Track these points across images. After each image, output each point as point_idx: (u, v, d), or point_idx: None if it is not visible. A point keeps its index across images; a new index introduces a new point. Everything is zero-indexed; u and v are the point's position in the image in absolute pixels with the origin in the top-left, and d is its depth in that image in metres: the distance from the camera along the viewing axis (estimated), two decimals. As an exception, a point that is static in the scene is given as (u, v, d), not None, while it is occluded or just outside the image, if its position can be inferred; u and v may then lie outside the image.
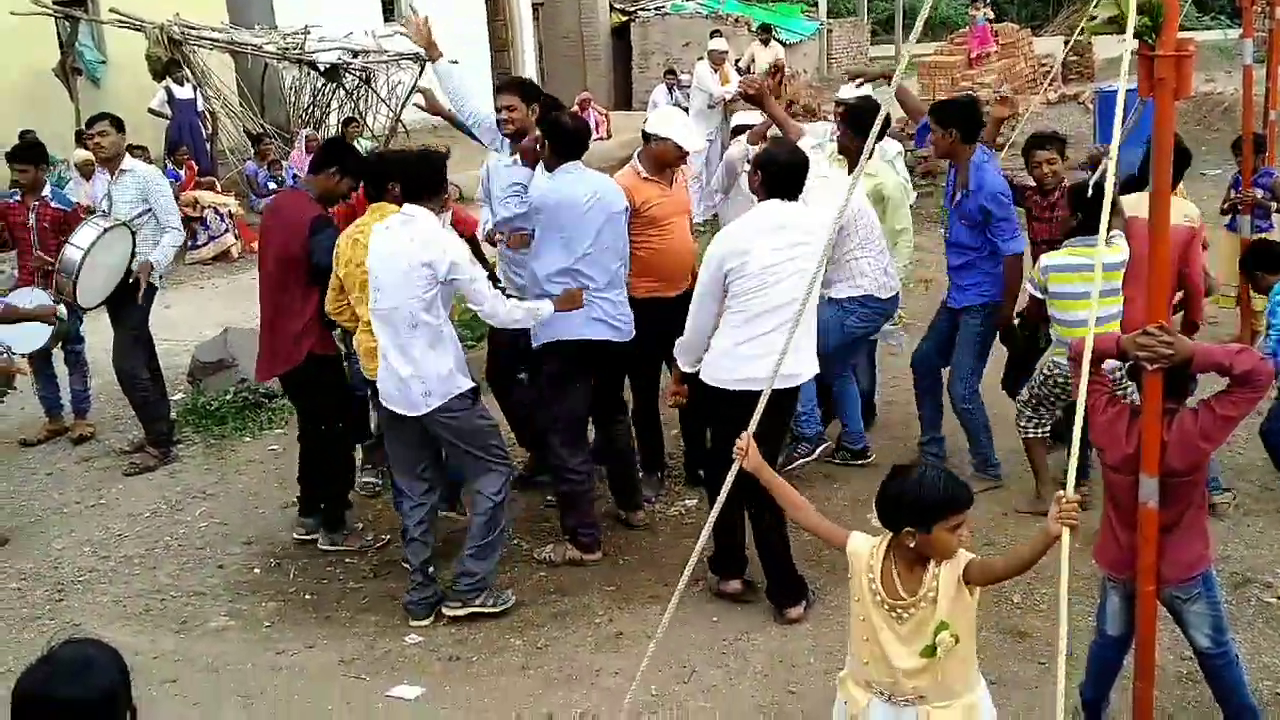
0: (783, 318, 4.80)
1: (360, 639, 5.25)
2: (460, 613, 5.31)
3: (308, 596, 5.66)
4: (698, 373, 5.19)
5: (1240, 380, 3.49)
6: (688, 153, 6.02)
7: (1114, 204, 5.77)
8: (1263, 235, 7.73)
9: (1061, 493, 3.18)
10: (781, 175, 5.01)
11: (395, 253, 5.01)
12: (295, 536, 6.18)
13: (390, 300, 5.02)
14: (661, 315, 5.88)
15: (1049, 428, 5.92)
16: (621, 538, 6.03)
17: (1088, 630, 4.23)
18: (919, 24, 3.77)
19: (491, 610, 5.33)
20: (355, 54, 16.34)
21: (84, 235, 6.78)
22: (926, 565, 3.24)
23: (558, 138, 5.56)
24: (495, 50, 22.68)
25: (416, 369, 5.03)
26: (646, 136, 6.00)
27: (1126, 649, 3.96)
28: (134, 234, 6.92)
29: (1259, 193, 7.56)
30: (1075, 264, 5.47)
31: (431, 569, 5.38)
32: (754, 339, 4.91)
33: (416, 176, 5.18)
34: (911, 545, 3.20)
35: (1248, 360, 3.47)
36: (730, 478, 3.84)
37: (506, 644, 5.13)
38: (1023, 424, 5.93)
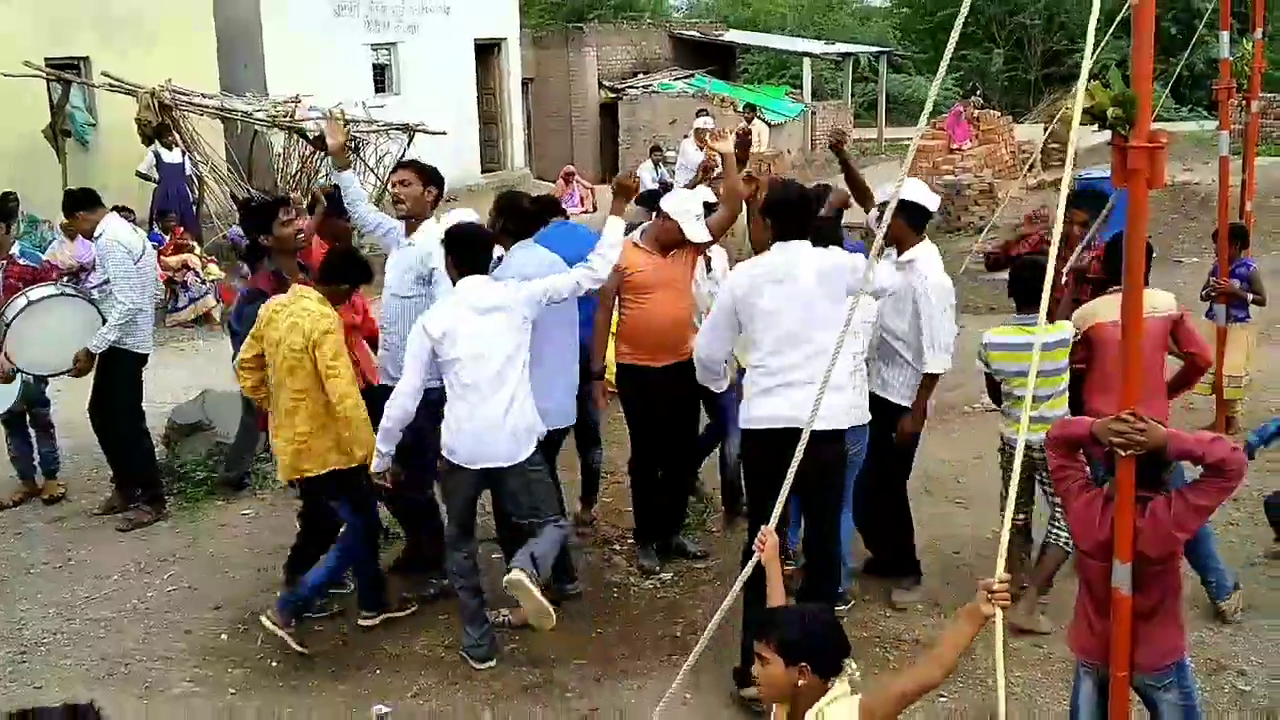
0: (792, 362, 4.89)
1: (327, 711, 5.16)
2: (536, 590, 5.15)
3: (275, 664, 5.57)
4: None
5: (1213, 470, 3.50)
6: (689, 240, 6.00)
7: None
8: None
9: (992, 580, 3.09)
10: (788, 215, 5.02)
11: (481, 313, 5.16)
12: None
13: (500, 355, 5.16)
14: (648, 383, 5.96)
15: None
16: (595, 611, 5.98)
17: (1062, 716, 4.20)
18: (924, 118, 3.86)
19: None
20: (346, 123, 16.46)
21: (12, 306, 6.91)
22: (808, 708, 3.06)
23: (512, 216, 5.75)
24: (484, 123, 22.92)
25: (531, 409, 5.28)
26: (659, 210, 6.04)
27: (1100, 736, 3.93)
28: (93, 302, 6.95)
29: (1236, 283, 7.66)
30: (1014, 342, 5.52)
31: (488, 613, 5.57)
32: (773, 384, 4.93)
33: (468, 248, 5.30)
34: None
35: (1220, 450, 3.48)
36: (746, 572, 3.84)
37: (477, 717, 5.06)
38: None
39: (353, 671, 5.47)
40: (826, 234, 5.37)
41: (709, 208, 6.16)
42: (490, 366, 5.15)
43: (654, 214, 6.08)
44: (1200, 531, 5.40)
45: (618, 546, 6.65)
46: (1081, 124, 3.44)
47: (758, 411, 4.98)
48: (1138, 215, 3.48)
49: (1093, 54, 3.40)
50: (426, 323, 5.22)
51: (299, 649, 5.48)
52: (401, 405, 5.20)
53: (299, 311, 5.35)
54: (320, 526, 5.81)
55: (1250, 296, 7.88)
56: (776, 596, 3.69)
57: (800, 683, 3.04)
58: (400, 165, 6.23)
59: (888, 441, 5.71)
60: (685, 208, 5.98)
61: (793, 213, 5.03)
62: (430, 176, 5.89)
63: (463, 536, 5.45)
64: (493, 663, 5.43)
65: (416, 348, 5.21)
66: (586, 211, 18.81)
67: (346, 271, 5.56)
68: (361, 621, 5.85)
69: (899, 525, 5.99)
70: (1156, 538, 3.58)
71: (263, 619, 5.47)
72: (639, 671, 5.36)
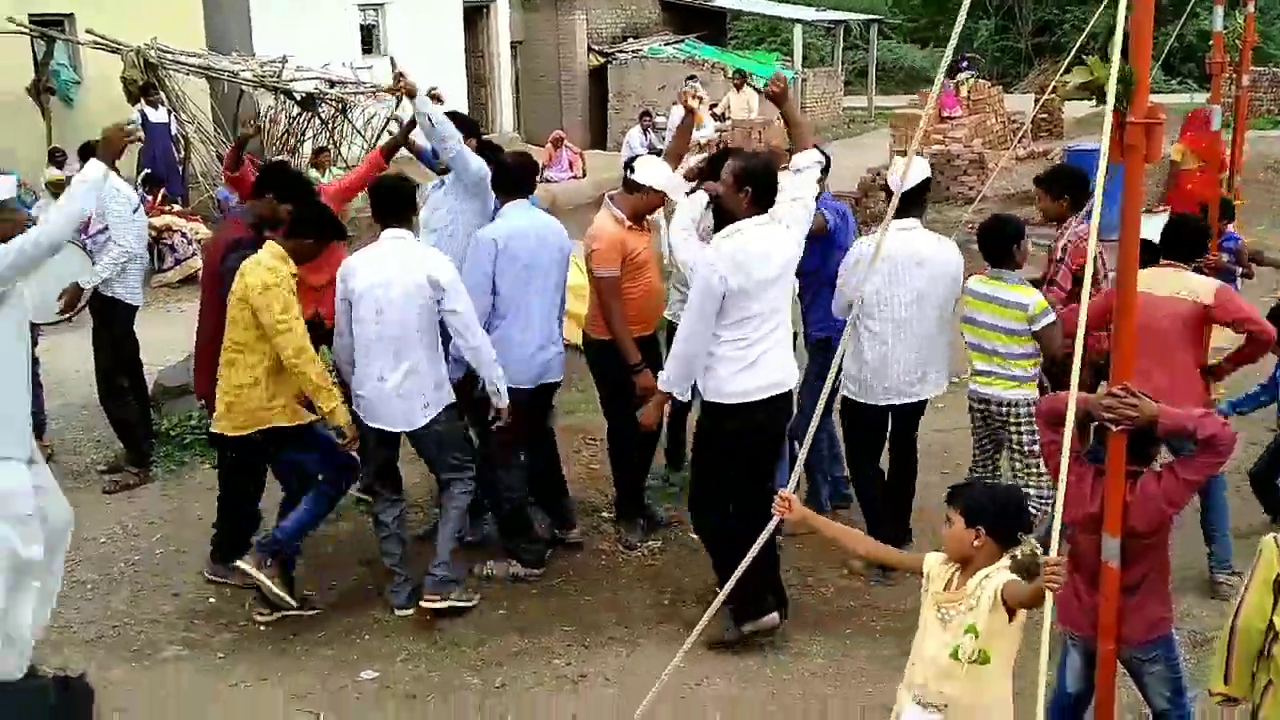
0: (771, 328, 5.00)
1: (314, 674, 5.18)
2: (441, 605, 5.48)
3: (263, 628, 5.57)
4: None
5: (1204, 445, 3.52)
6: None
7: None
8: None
9: (1049, 556, 3.20)
10: (766, 186, 4.94)
11: (396, 275, 5.26)
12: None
13: (396, 320, 5.26)
14: (647, 354, 5.94)
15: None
16: (582, 578, 6.01)
17: (1046, 687, 4.23)
18: (932, 100, 3.82)
19: (465, 605, 5.58)
20: (332, 84, 16.37)
21: None
22: (976, 570, 3.45)
23: (498, 176, 5.87)
24: (474, 85, 22.77)
25: (419, 384, 5.34)
26: (633, 185, 5.89)
27: (1086, 706, 3.96)
28: (87, 251, 6.91)
29: (1225, 257, 7.66)
30: (983, 291, 5.63)
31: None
32: (757, 354, 4.96)
33: (392, 200, 5.44)
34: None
35: (1211, 425, 3.50)
36: (766, 534, 3.93)
37: (464, 682, 5.09)
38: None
39: (341, 635, 5.48)
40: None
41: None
42: (390, 330, 5.25)
43: (631, 190, 5.94)
44: (1216, 500, 5.66)
45: (605, 514, 6.66)
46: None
47: (749, 384, 4.96)
48: (1134, 191, 3.48)
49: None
50: (348, 273, 5.36)
51: (281, 593, 5.47)
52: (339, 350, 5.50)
53: (249, 264, 5.28)
54: (238, 489, 5.85)
55: (1239, 270, 7.89)
56: (850, 538, 4.03)
57: (976, 543, 3.45)
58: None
59: None
60: (660, 173, 5.93)
61: (770, 183, 4.97)
62: (470, 129, 6.35)
63: (383, 485, 5.62)
64: (410, 610, 5.55)
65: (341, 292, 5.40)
66: (576, 177, 18.72)
67: (313, 227, 5.41)
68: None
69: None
70: (1146, 511, 3.60)
71: (240, 564, 5.46)
72: (627, 639, 5.39)
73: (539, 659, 5.26)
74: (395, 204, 5.43)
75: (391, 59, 6.10)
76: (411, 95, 5.85)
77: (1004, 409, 5.63)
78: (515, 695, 4.99)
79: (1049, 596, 3.19)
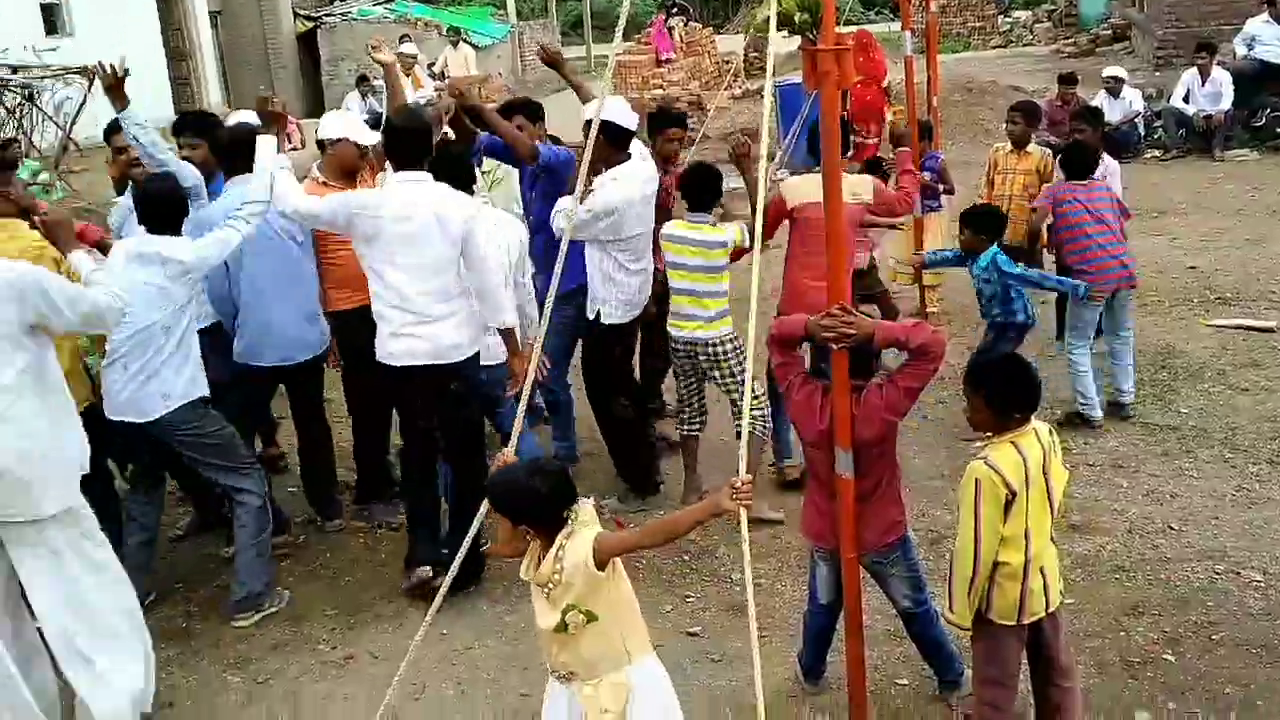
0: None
1: (60, 698, 4.86)
2: (255, 619, 5.29)
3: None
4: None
5: (917, 353, 3.72)
6: (367, 150, 5.93)
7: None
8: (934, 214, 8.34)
9: (736, 477, 3.23)
10: (408, 142, 5.13)
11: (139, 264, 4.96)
12: None
13: (141, 312, 4.89)
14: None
15: (701, 422, 6.08)
16: (342, 559, 5.86)
17: (803, 600, 4.41)
18: (618, 34, 3.85)
19: (277, 609, 5.37)
20: (15, 69, 15.19)
21: None
22: (552, 546, 3.32)
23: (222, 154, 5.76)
24: (173, 59, 21.58)
25: (170, 375, 4.98)
26: (322, 144, 5.98)
27: (837, 614, 4.15)
28: None
29: (927, 175, 8.10)
30: (679, 235, 5.79)
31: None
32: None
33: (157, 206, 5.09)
34: None
35: (921, 334, 3.72)
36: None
37: (224, 683, 4.88)
38: (680, 424, 6.09)
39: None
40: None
41: None
42: (129, 324, 4.88)
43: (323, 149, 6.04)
44: None
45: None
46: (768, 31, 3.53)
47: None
48: (831, 114, 3.61)
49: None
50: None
51: None
52: None
53: None
54: None
55: (941, 187, 8.37)
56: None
57: (529, 537, 3.34)
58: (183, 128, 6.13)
59: None
60: (342, 121, 6.10)
61: (406, 137, 5.14)
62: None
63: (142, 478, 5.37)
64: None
65: None
66: (296, 148, 18.01)
67: None
68: None
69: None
70: (872, 422, 3.78)
71: None
72: (391, 614, 5.29)
73: (302, 647, 5.10)
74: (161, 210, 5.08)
75: (100, 63, 5.53)
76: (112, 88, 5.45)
77: (709, 349, 5.81)
78: (281, 686, 4.82)
79: (744, 514, 3.20)
